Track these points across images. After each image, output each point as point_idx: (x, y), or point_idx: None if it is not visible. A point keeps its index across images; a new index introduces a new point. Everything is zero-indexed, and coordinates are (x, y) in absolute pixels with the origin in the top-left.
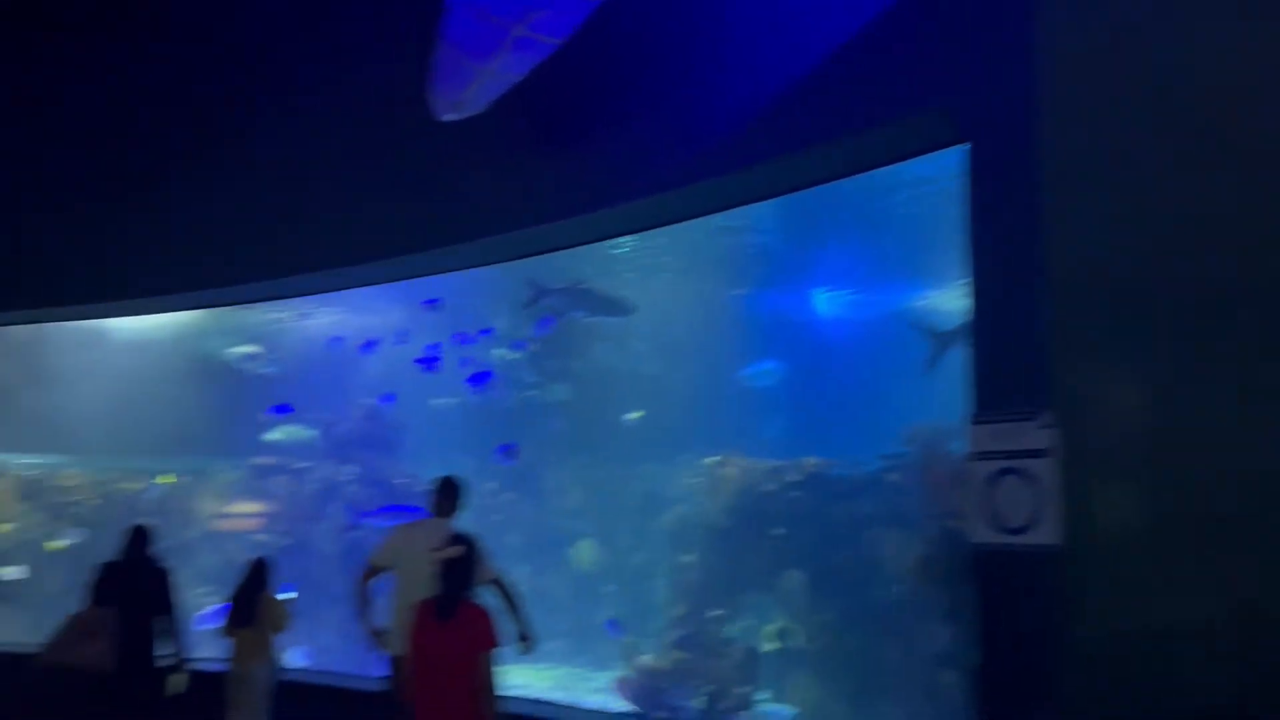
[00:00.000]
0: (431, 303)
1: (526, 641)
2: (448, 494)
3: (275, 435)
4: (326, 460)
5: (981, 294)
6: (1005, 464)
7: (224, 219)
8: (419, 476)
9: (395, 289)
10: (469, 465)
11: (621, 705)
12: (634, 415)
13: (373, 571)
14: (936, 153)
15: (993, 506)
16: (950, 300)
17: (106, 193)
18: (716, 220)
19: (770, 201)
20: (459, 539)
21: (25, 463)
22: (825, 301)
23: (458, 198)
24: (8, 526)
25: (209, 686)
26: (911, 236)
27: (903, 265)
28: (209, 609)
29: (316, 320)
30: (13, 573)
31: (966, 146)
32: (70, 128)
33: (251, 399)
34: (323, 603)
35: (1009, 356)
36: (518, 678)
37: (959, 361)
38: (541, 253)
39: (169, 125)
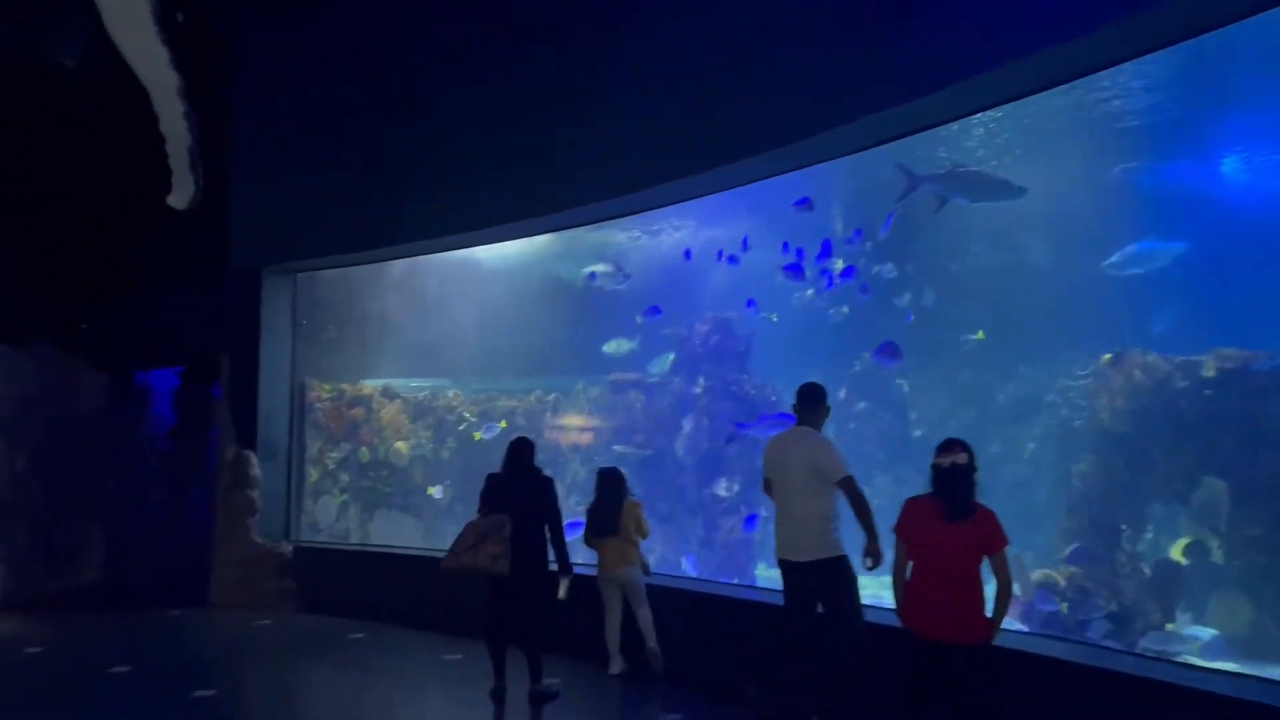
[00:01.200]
0: (802, 203)
1: (874, 554)
2: (810, 400)
3: (609, 348)
4: (680, 373)
5: None
6: None
7: (573, 141)
8: (771, 386)
9: (748, 196)
10: (823, 373)
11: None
12: (976, 336)
13: (767, 485)
14: None
15: None
16: None
17: (465, 126)
18: (1099, 81)
19: (1169, 53)
20: (956, 444)
21: (412, 385)
22: (1237, 169)
23: (811, 84)
24: (405, 445)
25: (588, 592)
26: None
27: None
28: (577, 519)
29: (666, 236)
30: (438, 491)
31: None
32: (422, 66)
33: (606, 317)
34: (682, 512)
35: None
36: (872, 590)
37: None
38: (905, 135)
39: (513, 57)
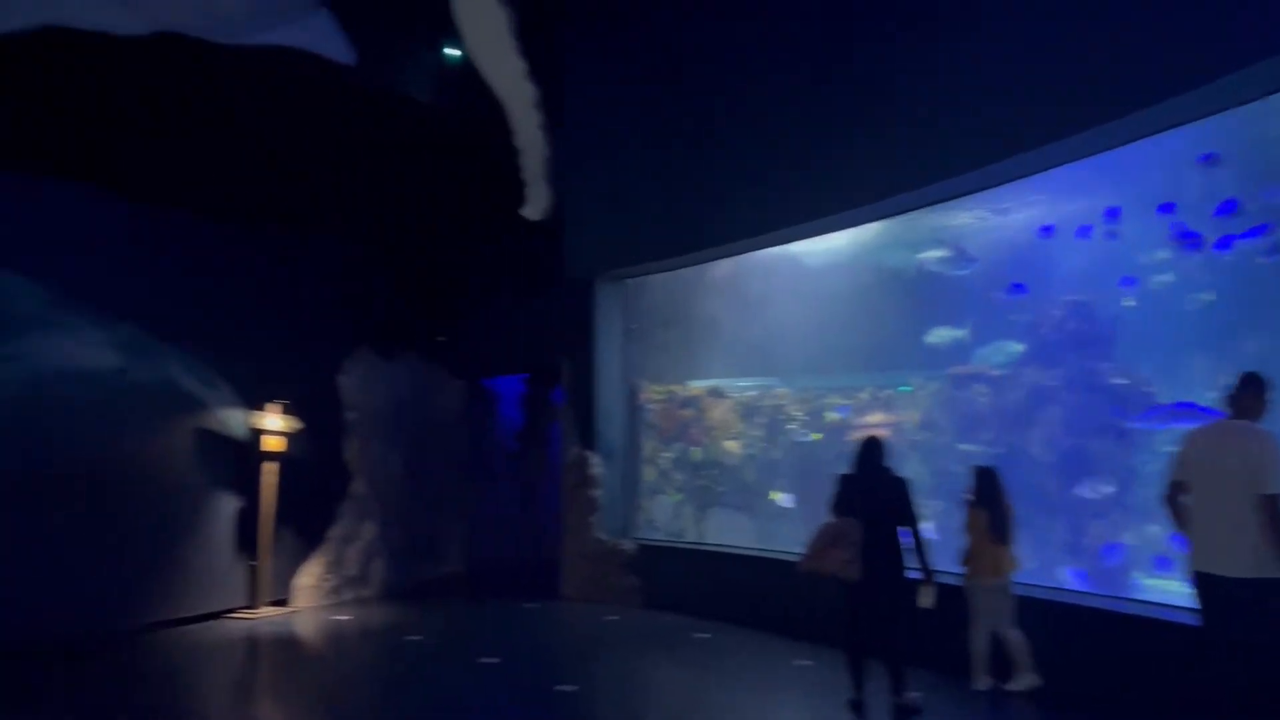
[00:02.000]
0: (1207, 158)
1: None
2: (1254, 392)
3: (934, 338)
4: (1032, 363)
5: None
6: None
7: (910, 118)
8: (1141, 375)
9: (1108, 163)
10: (1205, 360)
11: None
12: None
13: (1176, 488)
14: None
15: None
16: None
17: (788, 115)
18: None
19: None
20: None
21: (740, 385)
22: None
23: (1203, 26)
24: (736, 445)
25: (953, 600)
26: None
27: None
28: (931, 522)
29: (1017, 214)
30: (784, 499)
31: None
32: (741, 59)
33: (945, 306)
34: (1042, 515)
35: None
36: None
37: None
38: None
39: (838, 34)
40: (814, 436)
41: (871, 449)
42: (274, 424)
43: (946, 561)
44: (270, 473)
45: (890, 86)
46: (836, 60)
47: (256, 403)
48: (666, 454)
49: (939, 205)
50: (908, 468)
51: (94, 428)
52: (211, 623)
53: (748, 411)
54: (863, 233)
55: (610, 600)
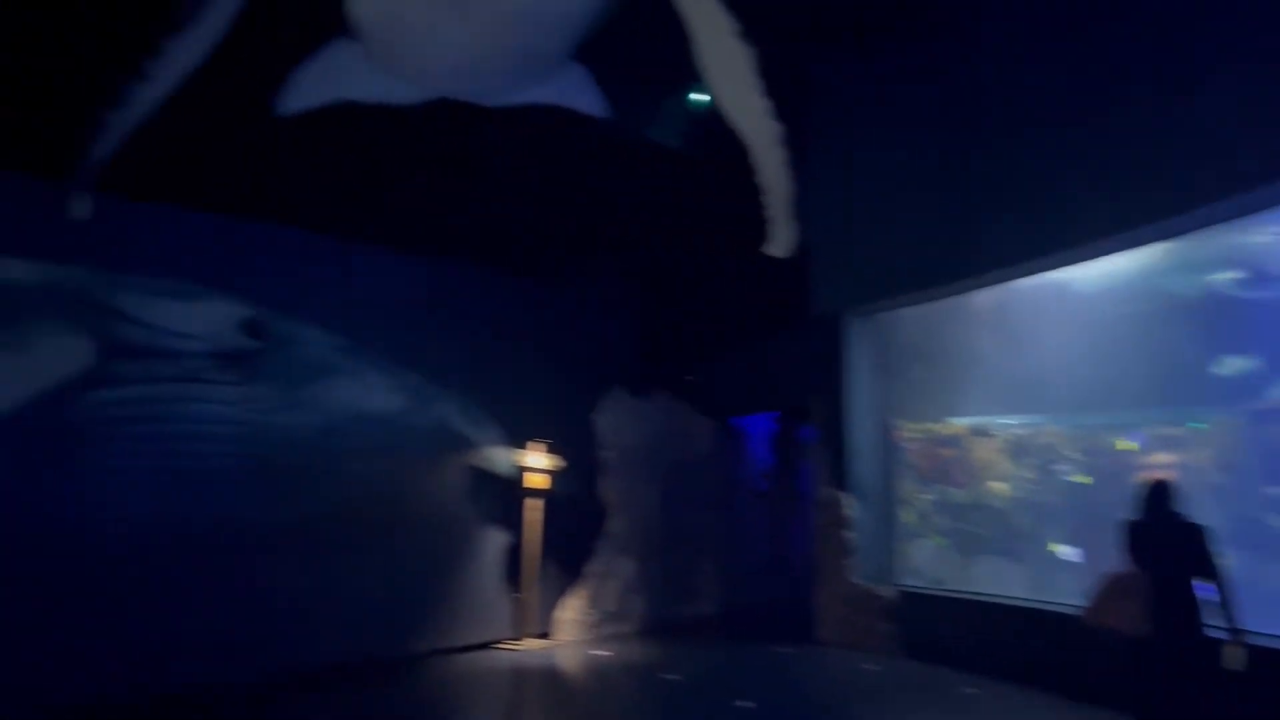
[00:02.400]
0: None
1: None
2: None
3: (1221, 368)
4: None
5: None
6: None
7: (1198, 124)
8: None
9: None
10: None
11: None
12: None
13: None
14: None
15: None
16: None
17: (1052, 131)
18: None
19: None
20: None
21: (1004, 423)
22: None
23: None
24: (1004, 487)
25: (1266, 664)
26: None
27: None
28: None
29: None
30: (1067, 552)
31: None
32: (998, 71)
33: (1235, 335)
34: None
35: None
36: None
37: None
38: None
39: (1108, 37)
40: (1078, 478)
41: (1160, 493)
42: (538, 462)
43: (1254, 621)
44: (534, 509)
45: (1179, 94)
46: (1117, 62)
47: (520, 442)
48: (926, 496)
49: (1233, 222)
50: (1202, 514)
51: (378, 467)
52: (478, 653)
53: (1015, 451)
54: (1141, 254)
55: (867, 647)
